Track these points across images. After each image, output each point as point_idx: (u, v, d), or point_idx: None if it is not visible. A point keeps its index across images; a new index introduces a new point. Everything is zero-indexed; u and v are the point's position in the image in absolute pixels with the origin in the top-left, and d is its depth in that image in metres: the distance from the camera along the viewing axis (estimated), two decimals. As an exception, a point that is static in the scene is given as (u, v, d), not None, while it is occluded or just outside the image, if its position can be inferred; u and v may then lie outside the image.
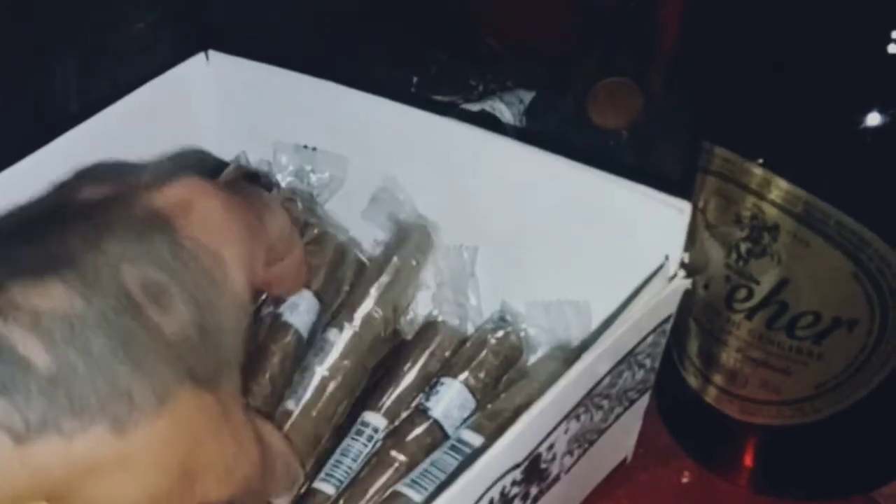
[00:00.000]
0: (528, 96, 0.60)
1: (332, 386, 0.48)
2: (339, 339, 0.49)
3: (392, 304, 0.50)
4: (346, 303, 0.50)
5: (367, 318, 0.49)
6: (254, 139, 0.53)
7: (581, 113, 0.55)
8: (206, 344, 0.33)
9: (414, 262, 0.51)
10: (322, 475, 0.47)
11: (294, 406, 0.48)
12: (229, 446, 0.34)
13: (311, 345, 0.49)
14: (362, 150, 0.52)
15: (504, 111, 0.58)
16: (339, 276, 0.51)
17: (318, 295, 0.50)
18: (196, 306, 0.33)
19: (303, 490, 0.47)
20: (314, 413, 0.48)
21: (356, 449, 0.47)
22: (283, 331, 0.49)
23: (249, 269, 0.36)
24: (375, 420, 0.48)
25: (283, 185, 0.53)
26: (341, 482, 0.47)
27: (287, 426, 0.47)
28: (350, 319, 0.49)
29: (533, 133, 0.49)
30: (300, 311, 0.49)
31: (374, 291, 0.49)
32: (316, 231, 0.51)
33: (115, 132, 0.51)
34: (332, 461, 0.47)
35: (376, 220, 0.52)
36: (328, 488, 0.47)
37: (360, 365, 0.49)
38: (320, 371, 0.48)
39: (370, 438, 0.48)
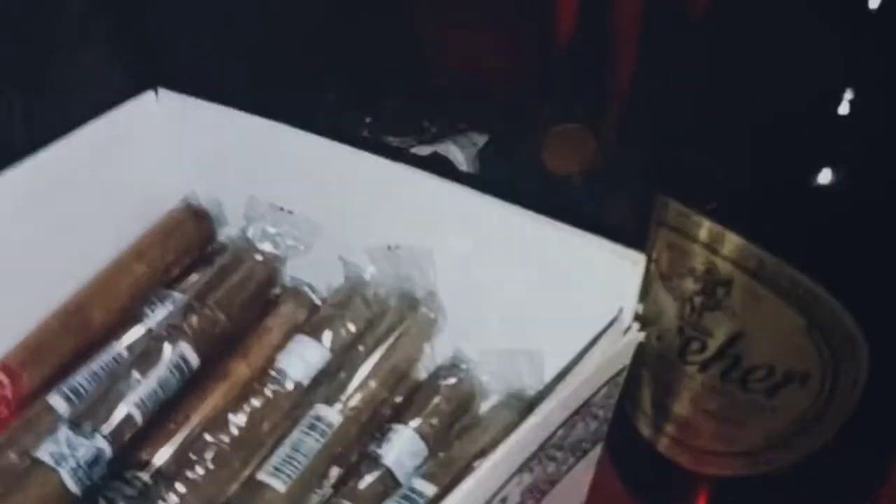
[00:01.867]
0: (481, 139, 0.59)
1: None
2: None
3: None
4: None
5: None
6: (203, 178, 0.52)
7: (534, 158, 0.55)
8: None
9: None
10: (271, 469, 0.46)
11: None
12: None
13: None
14: (310, 193, 0.52)
15: (457, 154, 0.58)
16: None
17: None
18: None
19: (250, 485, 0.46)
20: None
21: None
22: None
23: None
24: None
25: (252, 240, 0.52)
26: (290, 478, 0.46)
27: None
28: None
29: (486, 179, 0.48)
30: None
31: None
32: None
33: (62, 167, 0.50)
34: (282, 455, 0.46)
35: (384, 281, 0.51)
36: (277, 483, 0.46)
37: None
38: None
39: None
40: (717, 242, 0.44)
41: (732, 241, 0.43)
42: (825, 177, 0.42)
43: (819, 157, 0.42)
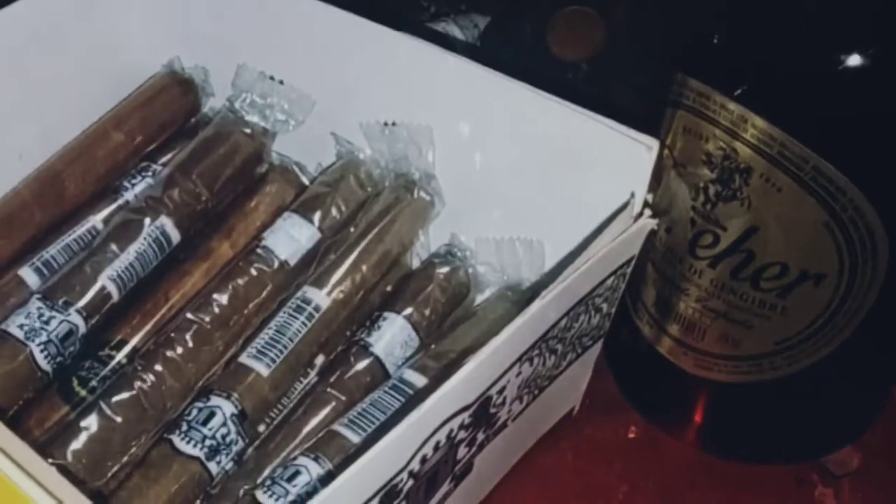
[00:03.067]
0: (482, 21, 0.56)
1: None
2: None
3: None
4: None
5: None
6: (189, 44, 0.49)
7: (539, 42, 0.52)
8: None
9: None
10: (254, 351, 0.44)
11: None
12: None
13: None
14: (302, 61, 0.49)
15: (457, 35, 0.55)
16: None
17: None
18: None
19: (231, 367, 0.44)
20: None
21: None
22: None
23: None
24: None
25: (240, 111, 0.49)
26: (274, 362, 0.44)
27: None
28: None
29: (488, 57, 0.46)
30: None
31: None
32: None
33: (38, 22, 0.47)
34: (266, 337, 0.44)
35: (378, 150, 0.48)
36: (260, 366, 0.44)
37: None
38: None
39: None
40: (738, 126, 0.41)
41: (755, 125, 0.41)
42: (857, 60, 0.39)
43: (853, 39, 0.39)
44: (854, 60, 0.39)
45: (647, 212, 0.43)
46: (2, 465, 0.32)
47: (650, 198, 0.43)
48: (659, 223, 0.43)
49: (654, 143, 0.43)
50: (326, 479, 0.40)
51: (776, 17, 0.40)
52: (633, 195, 0.42)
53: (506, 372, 0.39)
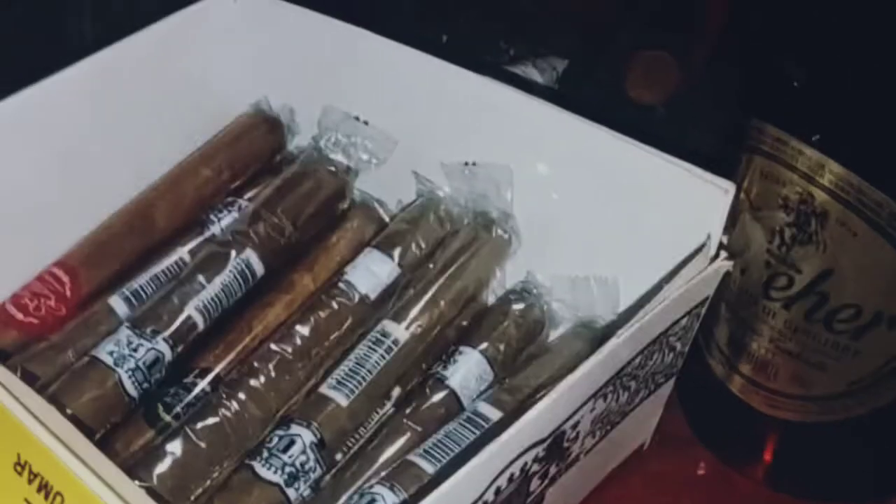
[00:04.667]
0: (561, 64, 0.57)
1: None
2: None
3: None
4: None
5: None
6: (277, 84, 0.51)
7: (617, 85, 0.53)
8: None
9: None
10: (333, 382, 0.45)
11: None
12: None
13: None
14: (385, 102, 0.50)
15: (537, 78, 0.56)
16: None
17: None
18: None
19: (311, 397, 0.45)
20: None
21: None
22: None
23: None
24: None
25: (324, 150, 0.51)
26: (353, 392, 0.45)
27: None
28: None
29: (568, 100, 0.47)
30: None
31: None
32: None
33: (131, 63, 0.49)
34: (346, 369, 0.45)
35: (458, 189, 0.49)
36: (340, 397, 0.45)
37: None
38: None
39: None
40: (814, 171, 0.42)
41: (832, 170, 0.41)
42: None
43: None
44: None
45: (723, 254, 0.43)
46: (93, 486, 0.34)
47: (725, 240, 0.44)
48: (734, 265, 0.44)
49: (731, 187, 0.43)
50: (401, 509, 0.41)
51: (854, 63, 0.41)
52: (709, 237, 0.43)
53: (580, 408, 0.40)
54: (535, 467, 0.40)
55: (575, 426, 0.41)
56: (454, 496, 0.36)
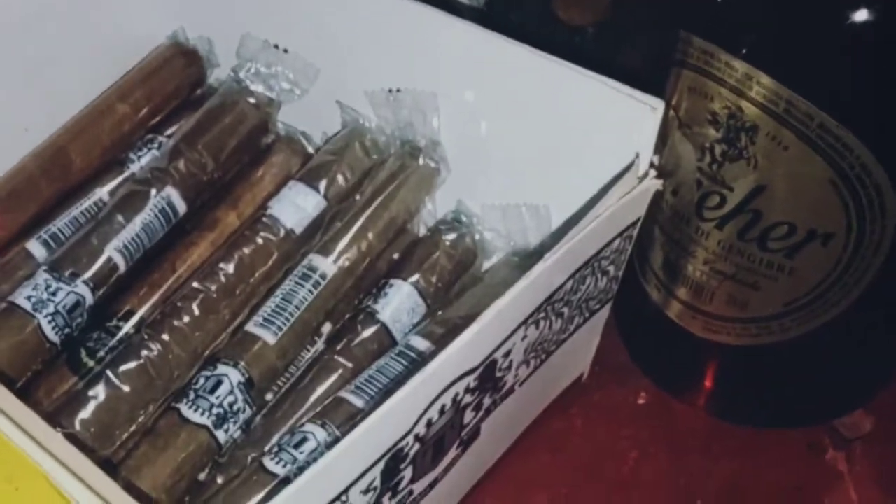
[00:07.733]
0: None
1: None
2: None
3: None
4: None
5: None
6: (193, 14, 0.49)
7: (546, 6, 0.52)
8: None
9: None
10: (260, 320, 0.44)
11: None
12: None
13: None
14: (305, 29, 0.48)
15: None
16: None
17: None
18: None
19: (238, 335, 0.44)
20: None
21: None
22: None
23: None
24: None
25: (245, 81, 0.49)
26: (281, 330, 0.44)
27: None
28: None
29: (493, 20, 0.45)
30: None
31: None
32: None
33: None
34: (272, 306, 0.44)
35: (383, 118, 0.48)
36: (267, 335, 0.44)
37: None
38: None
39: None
40: (743, 84, 0.41)
41: (761, 83, 0.40)
42: (864, 15, 0.39)
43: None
44: (861, 16, 0.39)
45: (653, 172, 0.42)
46: (11, 434, 0.32)
47: (656, 159, 0.43)
48: (665, 184, 0.43)
49: (659, 104, 0.42)
50: (334, 446, 0.40)
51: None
52: (637, 156, 0.42)
53: (511, 335, 0.39)
54: (468, 398, 0.39)
55: (507, 354, 0.40)
56: (384, 429, 0.35)
